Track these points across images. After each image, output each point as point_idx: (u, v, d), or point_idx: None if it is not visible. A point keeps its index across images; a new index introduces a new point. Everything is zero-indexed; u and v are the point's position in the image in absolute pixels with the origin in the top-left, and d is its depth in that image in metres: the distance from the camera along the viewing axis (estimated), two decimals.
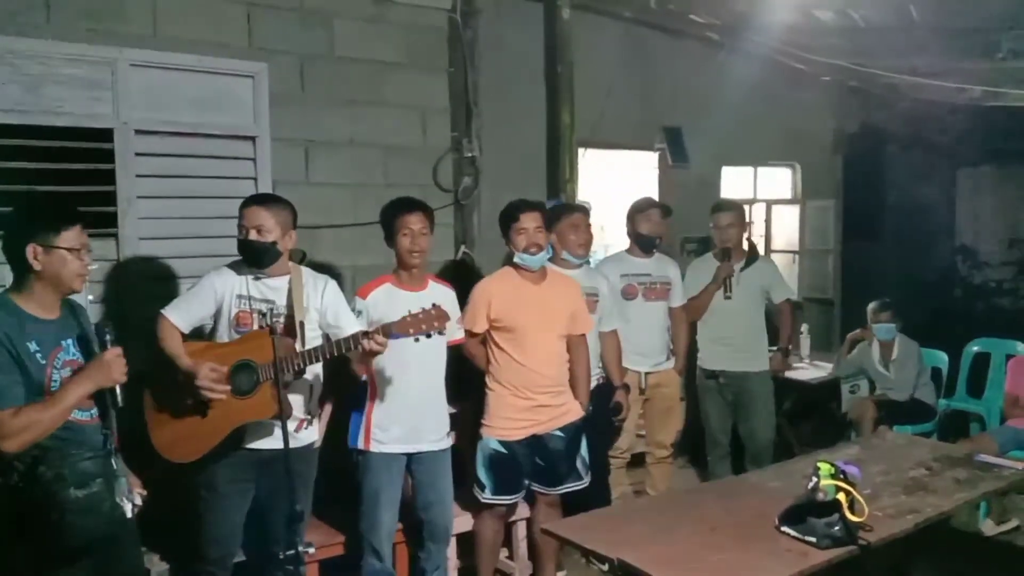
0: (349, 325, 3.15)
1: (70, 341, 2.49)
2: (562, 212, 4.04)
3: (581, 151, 5.32)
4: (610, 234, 8.46)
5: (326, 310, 3.14)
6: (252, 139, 4.01)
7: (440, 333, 3.08)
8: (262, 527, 3.10)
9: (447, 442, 3.48)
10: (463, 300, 3.62)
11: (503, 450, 3.56)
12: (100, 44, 3.59)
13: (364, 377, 3.34)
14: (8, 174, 3.37)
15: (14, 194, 3.31)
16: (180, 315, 2.97)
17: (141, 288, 3.66)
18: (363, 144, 4.38)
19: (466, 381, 3.69)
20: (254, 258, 3.02)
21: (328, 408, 3.49)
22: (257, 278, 3.04)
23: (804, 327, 6.28)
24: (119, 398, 2.47)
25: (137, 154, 3.69)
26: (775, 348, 4.89)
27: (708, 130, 5.80)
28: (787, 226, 7.41)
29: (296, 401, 3.07)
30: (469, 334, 3.58)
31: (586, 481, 3.70)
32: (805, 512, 2.71)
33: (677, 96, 5.78)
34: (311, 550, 2.77)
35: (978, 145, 7.88)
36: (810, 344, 6.22)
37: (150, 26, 3.72)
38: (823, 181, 7.33)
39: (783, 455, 4.58)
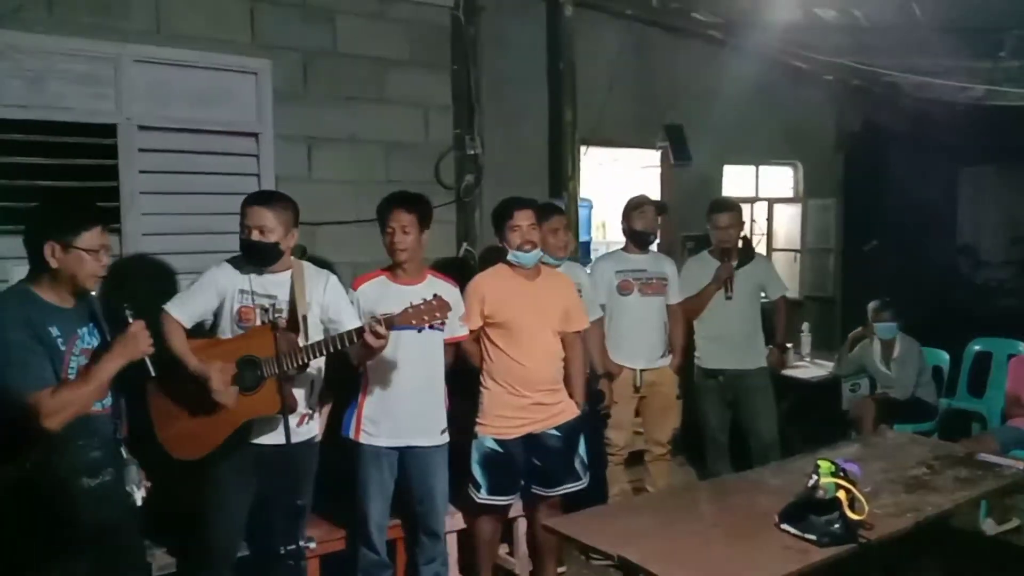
0: (350, 321, 3.16)
1: (85, 329, 2.53)
2: (544, 214, 4.03)
3: (583, 149, 5.32)
4: (612, 231, 8.51)
5: (328, 306, 3.15)
6: (255, 135, 4.02)
7: (442, 323, 3.08)
8: (264, 521, 3.11)
9: (442, 439, 3.47)
10: None
11: (499, 449, 3.56)
12: (103, 40, 3.59)
13: (361, 369, 3.35)
14: (11, 170, 3.38)
15: (17, 189, 3.33)
16: (182, 310, 2.97)
17: (144, 283, 3.66)
18: (365, 141, 4.39)
19: (466, 379, 3.69)
20: (257, 258, 3.02)
21: (329, 399, 3.49)
22: (260, 273, 3.05)
23: (805, 326, 6.28)
24: (151, 369, 2.55)
25: (140, 150, 3.69)
26: (771, 345, 4.89)
27: (710, 128, 5.80)
28: (788, 225, 7.42)
29: (299, 396, 3.07)
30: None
31: (584, 481, 3.69)
32: (805, 510, 2.72)
33: (679, 94, 5.78)
34: (312, 545, 2.79)
35: (980, 144, 7.87)
36: (811, 343, 6.22)
37: (153, 22, 3.72)
38: (825, 180, 7.33)
39: (783, 453, 4.58)
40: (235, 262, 3.07)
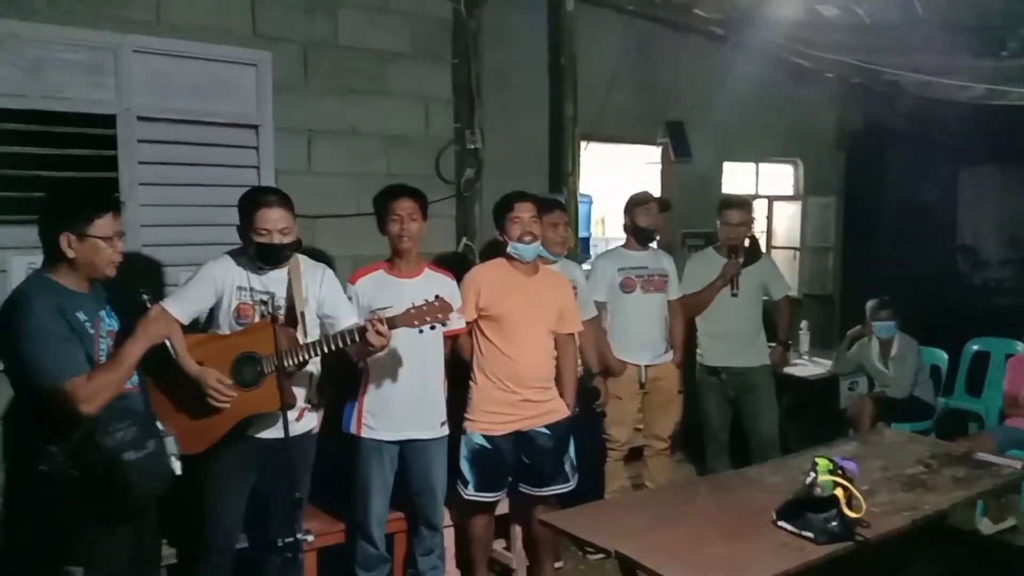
0: (346, 315, 3.17)
1: (104, 312, 2.58)
2: (541, 209, 4.03)
3: (583, 144, 5.31)
4: (611, 227, 8.51)
5: (324, 300, 3.15)
6: (255, 127, 4.01)
7: (443, 324, 3.09)
8: (261, 514, 3.11)
9: (441, 431, 3.48)
10: None
11: (487, 445, 3.55)
12: (103, 29, 3.58)
13: (361, 364, 3.35)
14: (9, 159, 3.37)
15: (16, 179, 3.32)
16: (180, 307, 2.95)
17: (142, 275, 3.65)
18: (366, 134, 4.38)
19: (464, 371, 3.68)
20: (275, 259, 3.01)
21: (326, 392, 3.49)
22: (259, 270, 3.03)
23: (804, 324, 6.28)
24: (173, 350, 2.64)
25: (139, 141, 3.69)
26: (774, 343, 4.89)
27: (711, 125, 5.79)
28: (788, 223, 7.41)
29: (298, 392, 3.08)
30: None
31: (573, 483, 3.67)
32: (803, 507, 2.72)
33: (680, 90, 5.77)
34: (310, 538, 2.78)
35: (981, 144, 7.86)
36: (809, 341, 6.23)
37: (153, 12, 3.71)
38: (825, 178, 7.33)
39: (782, 451, 4.59)
40: (233, 257, 3.06)
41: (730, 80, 5.72)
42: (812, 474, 2.73)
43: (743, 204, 4.83)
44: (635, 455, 4.77)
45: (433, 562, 3.55)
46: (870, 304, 5.36)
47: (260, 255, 2.98)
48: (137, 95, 3.67)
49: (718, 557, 2.57)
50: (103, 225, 2.47)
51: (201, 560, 3.10)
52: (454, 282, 3.53)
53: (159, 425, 2.59)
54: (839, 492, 2.67)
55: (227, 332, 3.02)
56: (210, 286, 3.01)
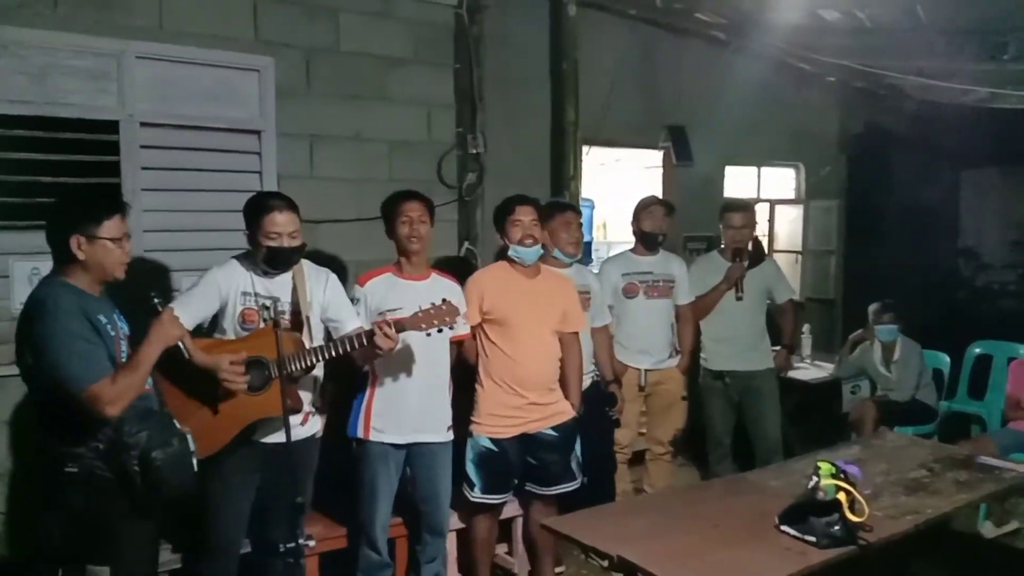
0: (349, 319, 3.17)
1: (115, 315, 2.60)
2: (554, 210, 4.04)
3: (585, 148, 5.32)
4: (612, 231, 8.51)
5: (328, 304, 3.15)
6: (257, 133, 4.02)
7: (451, 328, 3.09)
8: (264, 518, 3.12)
9: (447, 436, 3.48)
10: None
11: (494, 448, 3.55)
12: (106, 36, 3.59)
13: (366, 368, 3.35)
14: (13, 165, 3.38)
15: (20, 185, 3.33)
16: (184, 312, 2.92)
17: (145, 280, 3.65)
18: (368, 139, 4.39)
19: (470, 376, 3.69)
20: (285, 264, 3.02)
21: (329, 393, 3.49)
22: (264, 275, 3.04)
23: (806, 327, 6.27)
24: (185, 352, 2.66)
25: (142, 147, 3.70)
26: (778, 347, 4.89)
27: (712, 129, 5.80)
28: (790, 226, 7.42)
29: (304, 396, 3.09)
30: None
31: (579, 482, 3.68)
32: (805, 511, 2.71)
33: (682, 95, 5.78)
34: (311, 543, 2.79)
35: (983, 147, 7.87)
36: (811, 344, 6.22)
37: (156, 18, 3.72)
38: (827, 181, 7.33)
39: (784, 455, 4.58)
40: (236, 264, 3.06)
41: (732, 84, 5.73)
42: (814, 478, 2.72)
43: (745, 207, 4.83)
44: (638, 459, 4.77)
45: (436, 568, 3.55)
46: (872, 307, 5.36)
47: (270, 260, 2.98)
48: (140, 101, 3.68)
49: (720, 562, 2.57)
50: (112, 227, 2.49)
51: (205, 563, 3.10)
52: (459, 287, 3.53)
53: (177, 424, 2.60)
54: (842, 496, 2.66)
55: (232, 337, 3.03)
56: (215, 292, 3.01)
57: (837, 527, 2.64)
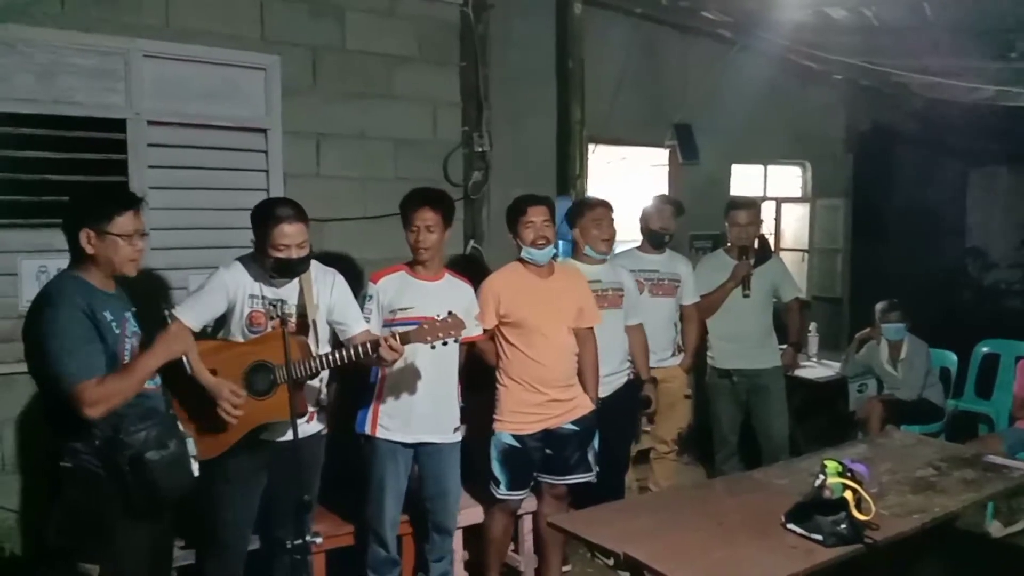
0: (356, 322, 3.17)
1: (129, 313, 2.60)
2: (585, 207, 4.04)
3: (591, 147, 5.31)
4: (618, 229, 8.48)
5: (334, 306, 3.15)
6: (263, 131, 4.02)
7: (456, 341, 3.10)
8: (271, 515, 3.13)
9: (456, 436, 3.49)
10: None
11: (516, 444, 3.56)
12: (113, 34, 3.60)
13: (375, 368, 3.35)
14: (20, 164, 3.39)
15: (28, 183, 3.34)
16: (192, 315, 2.95)
17: (152, 278, 3.68)
18: (374, 137, 4.39)
19: (479, 375, 3.69)
20: (294, 273, 3.02)
21: (333, 390, 3.49)
22: (272, 278, 3.03)
23: (812, 326, 6.26)
24: (188, 367, 2.64)
25: (149, 145, 3.71)
26: (784, 346, 4.88)
27: (719, 127, 5.79)
28: (796, 225, 7.40)
29: (310, 397, 3.10)
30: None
31: (594, 474, 3.70)
32: (812, 510, 2.71)
33: (688, 93, 5.77)
34: (319, 540, 2.79)
35: (990, 145, 7.85)
36: (818, 343, 6.21)
37: (163, 17, 3.73)
38: (833, 180, 7.32)
39: (791, 453, 4.58)
40: (244, 264, 3.06)
41: (738, 82, 5.72)
42: (821, 476, 2.72)
43: (751, 205, 4.82)
44: (642, 457, 4.77)
45: (444, 567, 3.55)
46: (879, 306, 5.34)
47: (277, 270, 2.98)
48: (147, 99, 3.69)
49: (727, 560, 2.57)
50: (123, 222, 2.48)
51: (213, 559, 3.11)
52: (471, 289, 3.54)
53: (180, 426, 2.60)
54: (848, 494, 2.66)
55: (239, 339, 3.03)
56: (222, 294, 3.01)
57: (843, 526, 2.64)
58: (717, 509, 2.99)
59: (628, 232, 4.75)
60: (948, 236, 8.77)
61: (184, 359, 2.61)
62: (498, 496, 3.60)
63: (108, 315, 2.48)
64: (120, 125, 3.65)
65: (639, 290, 4.41)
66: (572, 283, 3.72)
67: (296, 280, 3.06)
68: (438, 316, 3.02)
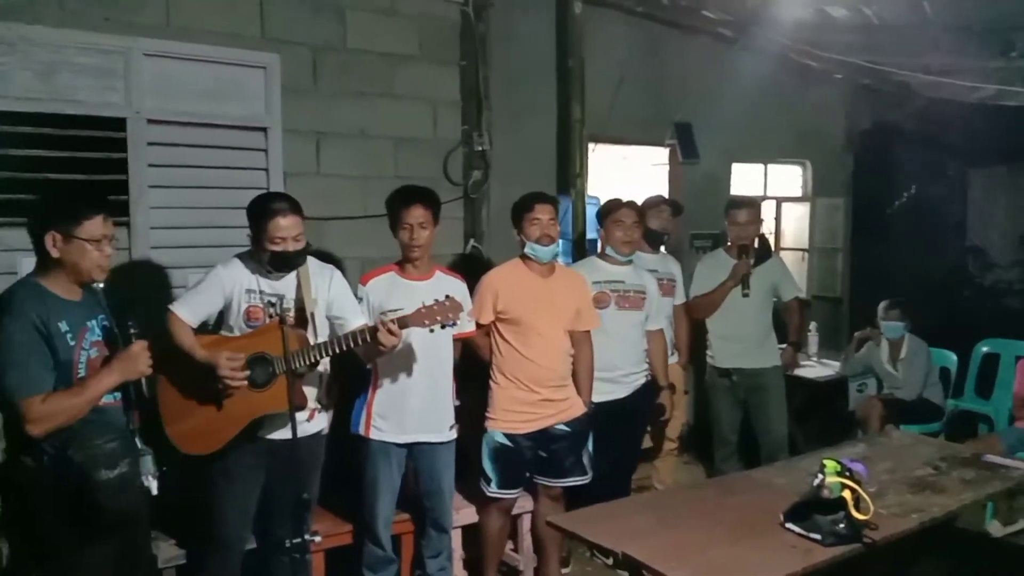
0: (354, 316, 3.17)
1: (94, 322, 2.52)
2: (610, 208, 4.05)
3: (591, 146, 5.31)
4: None
5: (333, 301, 3.16)
6: (264, 130, 4.02)
7: (453, 324, 3.09)
8: (270, 514, 3.13)
9: (450, 434, 3.49)
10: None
11: (508, 443, 3.57)
12: (114, 33, 3.60)
13: (369, 365, 3.36)
14: (21, 162, 3.40)
15: (27, 182, 3.34)
16: (188, 310, 2.96)
17: (152, 276, 3.69)
18: (374, 136, 4.39)
19: (473, 373, 3.70)
20: (290, 266, 3.02)
21: (335, 392, 3.50)
22: (268, 273, 3.04)
23: (812, 325, 6.26)
24: (144, 389, 2.52)
25: (149, 143, 3.71)
26: (784, 345, 4.88)
27: (719, 126, 5.79)
28: (797, 224, 7.39)
29: (309, 393, 3.10)
30: (475, 325, 3.58)
31: (588, 476, 3.69)
32: (810, 509, 2.71)
33: (688, 92, 5.77)
34: (317, 539, 2.79)
35: (991, 144, 7.82)
36: (818, 342, 6.21)
37: (164, 16, 3.73)
38: (834, 179, 7.31)
39: (790, 452, 4.58)
40: (242, 260, 3.06)
41: (738, 81, 5.72)
42: (820, 476, 2.72)
43: (750, 204, 4.82)
44: (644, 456, 4.77)
45: (441, 564, 3.56)
46: (882, 305, 5.34)
47: (274, 263, 2.98)
48: (147, 98, 3.69)
49: (725, 559, 2.57)
50: (92, 227, 2.40)
51: (211, 557, 3.11)
52: (464, 285, 3.54)
53: (138, 443, 2.52)
54: (847, 494, 2.66)
55: (237, 334, 3.03)
56: (219, 289, 3.01)
57: (842, 525, 2.64)
58: (716, 508, 2.99)
59: None
60: (948, 235, 8.74)
61: (142, 382, 2.51)
62: (488, 494, 3.60)
63: (64, 326, 2.39)
64: (120, 124, 3.64)
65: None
66: (572, 285, 3.73)
67: (294, 275, 3.07)
68: (436, 300, 3.01)
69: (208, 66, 3.86)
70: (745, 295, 4.58)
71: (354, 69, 4.30)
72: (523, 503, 3.86)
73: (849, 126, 7.40)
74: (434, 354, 3.39)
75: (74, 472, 2.32)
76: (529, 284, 3.59)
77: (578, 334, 3.70)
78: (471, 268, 4.07)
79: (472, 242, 4.71)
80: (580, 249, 4.96)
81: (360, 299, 3.35)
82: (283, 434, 2.96)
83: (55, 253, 2.39)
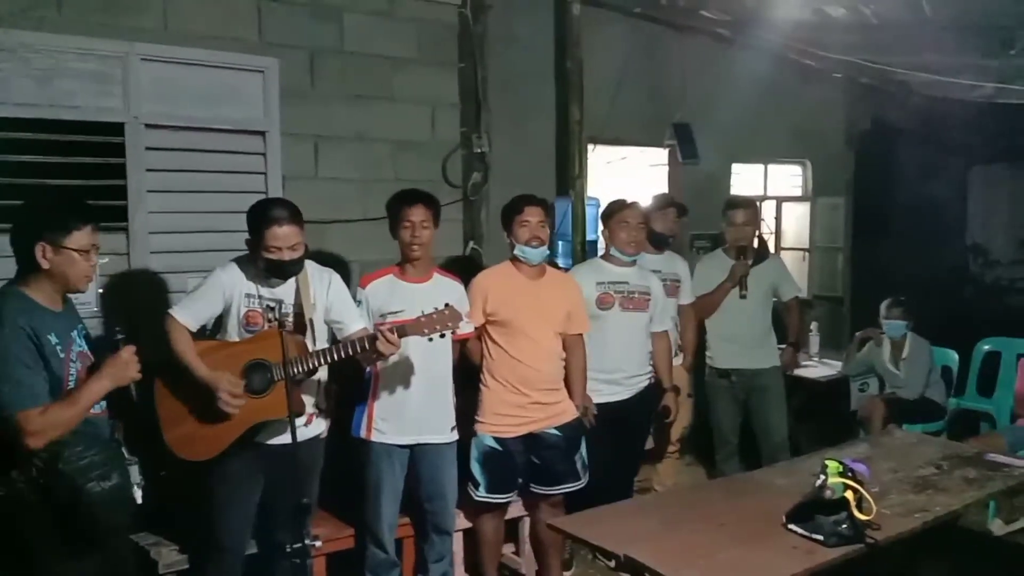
0: (353, 321, 3.17)
1: (75, 332, 2.51)
2: (613, 208, 4.04)
3: (590, 147, 5.31)
4: None
5: (332, 305, 3.15)
6: (262, 134, 4.02)
7: (453, 333, 3.09)
8: (270, 519, 3.12)
9: (451, 436, 3.48)
10: None
11: (498, 447, 3.55)
12: (111, 38, 3.60)
13: (368, 368, 3.35)
14: (19, 168, 3.39)
15: (26, 187, 3.34)
16: (188, 314, 2.96)
17: (150, 282, 3.68)
18: (372, 139, 4.39)
19: (472, 375, 3.69)
20: (286, 275, 3.02)
21: (333, 394, 3.49)
22: (268, 278, 3.04)
23: (814, 325, 6.25)
24: (134, 395, 2.52)
25: (147, 148, 3.70)
26: (783, 345, 4.87)
27: (718, 126, 5.78)
28: (797, 223, 7.39)
29: (307, 397, 3.09)
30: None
31: (583, 482, 3.67)
32: (813, 510, 2.70)
33: (687, 92, 5.77)
34: (318, 543, 2.79)
35: (991, 142, 7.83)
36: (819, 342, 6.20)
37: (161, 20, 3.73)
38: (834, 178, 7.31)
39: (792, 453, 4.57)
40: (240, 264, 3.05)
41: (737, 81, 5.71)
42: (822, 476, 2.71)
43: (747, 204, 4.81)
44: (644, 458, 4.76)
45: (444, 567, 3.55)
46: (884, 304, 5.33)
47: (270, 271, 2.98)
48: (145, 103, 3.69)
49: (728, 560, 2.56)
50: (80, 237, 2.39)
51: (211, 561, 3.10)
52: (462, 287, 3.54)
53: (125, 452, 2.53)
54: (849, 494, 2.66)
55: (236, 339, 3.03)
56: (219, 293, 3.01)
57: (845, 525, 2.64)
58: (718, 510, 2.98)
59: None
60: (949, 234, 8.74)
61: (131, 387, 2.50)
62: (476, 498, 3.58)
63: (53, 338, 2.38)
64: (118, 129, 3.64)
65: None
66: (563, 288, 3.72)
67: (293, 280, 3.06)
68: (435, 308, 3.00)
69: (206, 70, 3.85)
70: (742, 296, 4.57)
71: (352, 72, 4.29)
72: (518, 507, 3.84)
73: (849, 125, 7.40)
74: (435, 356, 3.39)
75: (65, 484, 2.31)
76: (519, 286, 3.58)
77: (570, 337, 3.69)
78: (471, 270, 4.06)
79: (471, 244, 4.70)
80: (580, 250, 4.95)
81: (359, 302, 3.35)
82: (282, 439, 2.96)
83: (45, 264, 2.37)
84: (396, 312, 3.31)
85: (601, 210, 4.29)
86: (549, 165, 5.11)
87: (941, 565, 3.68)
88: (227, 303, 3.01)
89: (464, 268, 4.26)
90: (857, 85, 7.14)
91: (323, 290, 3.13)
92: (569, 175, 5.00)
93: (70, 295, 2.54)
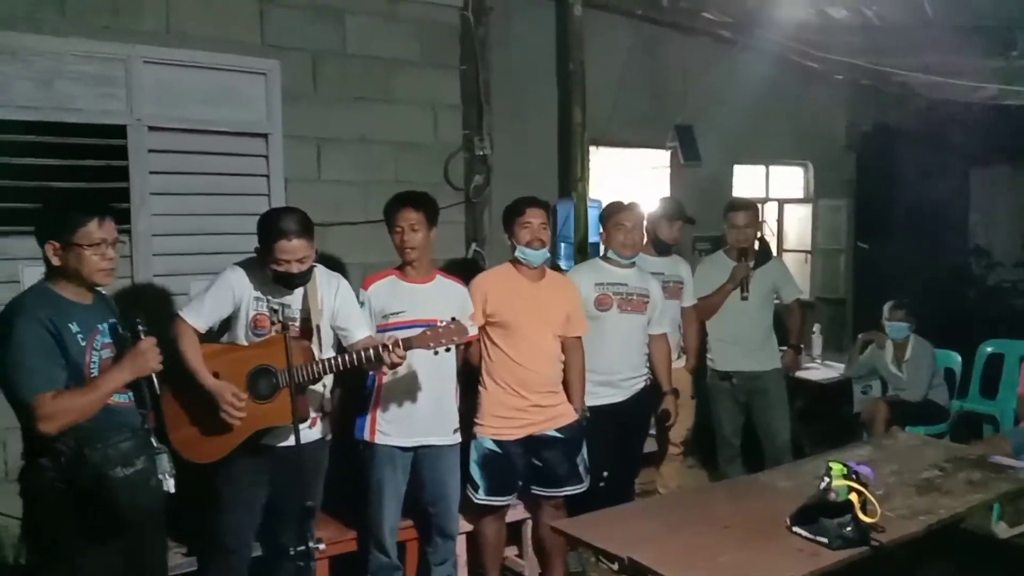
0: (358, 328, 3.17)
1: (105, 326, 2.55)
2: (611, 211, 4.04)
3: (592, 149, 5.30)
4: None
5: (337, 312, 3.15)
6: (264, 136, 4.02)
7: (458, 347, 3.09)
8: (274, 521, 3.12)
9: (455, 438, 3.48)
10: None
11: (497, 449, 3.55)
12: (113, 41, 3.60)
13: (373, 372, 3.35)
14: (22, 171, 3.39)
15: (28, 190, 3.34)
16: (197, 316, 2.95)
17: (154, 284, 3.68)
18: (374, 141, 4.39)
19: (475, 377, 3.68)
20: (294, 286, 3.02)
21: (336, 396, 3.49)
22: (275, 283, 3.03)
23: (816, 327, 6.24)
24: (156, 386, 2.56)
25: (150, 151, 3.71)
26: (785, 347, 4.86)
27: (720, 128, 5.78)
28: (799, 225, 7.38)
29: (312, 402, 3.09)
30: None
31: (585, 484, 3.67)
32: (817, 512, 2.70)
33: (689, 94, 5.77)
34: (321, 546, 2.79)
35: (993, 144, 7.82)
36: (822, 344, 6.19)
37: (163, 23, 3.73)
38: (836, 180, 7.30)
39: (795, 455, 4.56)
40: (250, 267, 3.05)
41: (739, 83, 5.71)
42: (826, 479, 2.71)
43: (748, 206, 4.81)
44: (647, 461, 4.75)
45: (447, 571, 3.55)
46: (887, 305, 5.32)
47: (278, 281, 2.99)
48: (147, 105, 3.69)
49: (732, 563, 2.56)
50: (88, 232, 2.43)
51: (216, 563, 3.10)
52: (465, 289, 3.53)
53: (154, 441, 2.54)
54: (853, 497, 2.65)
55: (244, 342, 3.03)
56: (229, 295, 3.01)
57: (849, 528, 2.63)
58: (721, 512, 2.98)
59: None
60: (951, 236, 8.72)
61: (152, 377, 2.53)
62: (475, 501, 3.57)
63: (74, 327, 2.43)
64: (121, 131, 3.64)
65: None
66: (562, 290, 3.71)
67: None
68: (441, 321, 3.01)
69: (208, 73, 3.85)
70: (744, 298, 4.56)
71: (354, 74, 4.29)
72: (519, 510, 3.83)
73: (850, 127, 7.40)
74: (440, 358, 3.36)
75: (90, 471, 2.35)
76: (518, 288, 3.58)
77: (569, 340, 3.68)
78: (473, 273, 4.06)
79: (474, 246, 4.70)
80: (582, 252, 4.94)
81: (362, 303, 3.35)
82: (288, 442, 2.95)
83: (56, 261, 2.44)
84: (398, 313, 3.31)
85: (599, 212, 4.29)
86: (551, 167, 5.11)
87: (945, 568, 3.68)
88: (236, 305, 3.02)
89: (466, 270, 4.25)
90: (859, 87, 7.14)
91: (331, 295, 3.13)
92: (571, 177, 5.00)
93: (98, 289, 2.58)
